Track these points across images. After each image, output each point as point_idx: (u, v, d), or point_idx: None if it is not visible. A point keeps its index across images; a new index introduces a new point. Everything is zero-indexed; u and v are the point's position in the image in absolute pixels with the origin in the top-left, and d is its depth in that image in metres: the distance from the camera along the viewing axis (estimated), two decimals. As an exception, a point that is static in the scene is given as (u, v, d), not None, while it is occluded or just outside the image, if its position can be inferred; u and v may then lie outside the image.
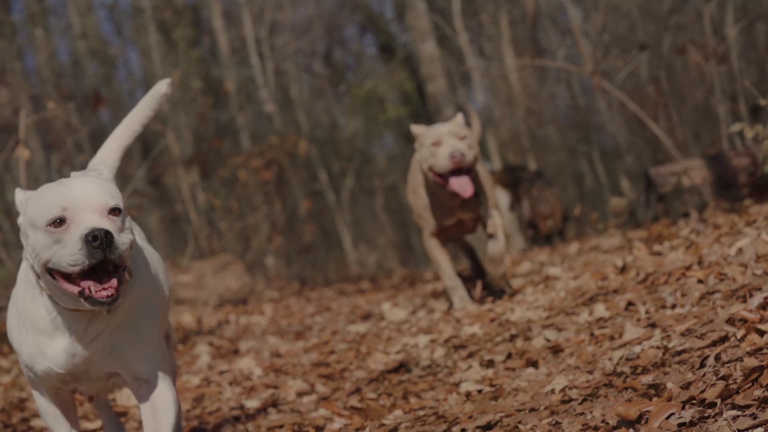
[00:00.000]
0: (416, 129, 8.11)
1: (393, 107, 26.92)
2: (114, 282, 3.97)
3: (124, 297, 4.13)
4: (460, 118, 8.04)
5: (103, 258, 3.91)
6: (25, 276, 4.31)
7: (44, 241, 4.00)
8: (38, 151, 18.76)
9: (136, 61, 27.69)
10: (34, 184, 16.38)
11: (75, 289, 3.98)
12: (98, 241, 3.89)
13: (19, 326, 4.34)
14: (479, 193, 8.14)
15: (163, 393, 4.33)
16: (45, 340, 4.24)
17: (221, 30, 24.89)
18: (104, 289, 3.96)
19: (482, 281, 8.98)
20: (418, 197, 8.31)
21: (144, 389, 4.33)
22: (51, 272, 4.02)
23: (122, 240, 3.98)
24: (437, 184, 7.95)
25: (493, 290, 8.50)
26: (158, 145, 22.47)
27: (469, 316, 7.64)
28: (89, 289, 3.96)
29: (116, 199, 4.08)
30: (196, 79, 24.29)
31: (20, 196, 4.23)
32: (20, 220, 4.18)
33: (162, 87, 5.24)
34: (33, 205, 4.08)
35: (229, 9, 26.16)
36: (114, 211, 4.04)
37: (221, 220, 21.99)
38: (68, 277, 3.98)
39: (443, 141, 7.80)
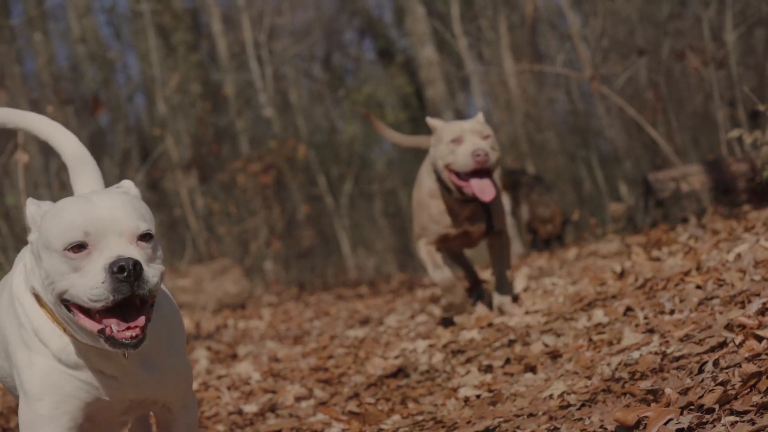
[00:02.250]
0: (434, 122, 7.44)
1: (392, 112, 26.93)
2: (141, 320, 3.42)
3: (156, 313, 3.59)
4: (481, 117, 7.43)
5: (131, 293, 3.36)
6: (24, 287, 3.68)
7: (61, 268, 3.44)
8: (37, 155, 18.73)
9: (135, 65, 27.74)
10: (33, 188, 16.38)
11: (95, 327, 3.42)
12: (125, 273, 3.35)
13: (21, 349, 3.67)
14: (491, 205, 7.39)
15: (189, 422, 3.88)
16: (75, 376, 3.60)
17: (220, 34, 24.91)
18: (129, 328, 3.40)
19: (476, 293, 8.41)
20: (422, 205, 7.55)
21: (169, 418, 3.85)
22: (67, 304, 3.45)
23: (152, 272, 3.44)
24: (449, 188, 7.24)
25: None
26: (157, 149, 22.48)
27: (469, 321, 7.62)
28: (111, 328, 3.40)
29: (148, 222, 3.52)
30: (195, 83, 24.29)
31: (33, 209, 3.63)
32: (32, 238, 3.60)
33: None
34: (50, 223, 3.51)
35: (228, 13, 26.18)
36: (145, 237, 3.48)
37: (220, 225, 22.00)
38: (87, 312, 3.42)
39: (465, 138, 7.13)
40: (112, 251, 3.41)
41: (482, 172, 7.09)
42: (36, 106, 18.84)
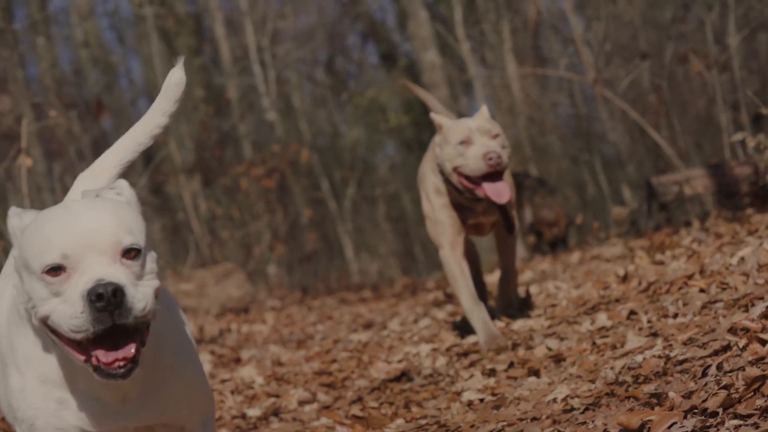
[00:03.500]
0: (439, 120, 6.95)
1: (395, 116, 26.93)
2: (131, 349, 3.08)
3: (157, 335, 3.26)
4: (486, 111, 7.00)
5: (112, 324, 3.01)
6: (12, 303, 3.36)
7: (41, 292, 3.09)
8: (40, 159, 18.74)
9: (137, 70, 27.74)
10: (36, 192, 16.38)
11: (81, 357, 3.10)
12: (103, 301, 2.99)
13: (10, 374, 3.34)
14: (507, 203, 6.93)
15: None
16: (61, 402, 3.29)
17: (223, 38, 24.92)
18: (117, 359, 3.06)
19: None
20: (433, 204, 7.13)
21: None
22: (53, 329, 3.12)
23: (140, 295, 3.07)
24: (461, 189, 6.82)
25: (501, 307, 7.72)
26: (160, 153, 22.49)
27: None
28: (97, 358, 3.07)
29: (134, 234, 3.14)
30: (197, 87, 24.30)
31: (14, 222, 3.26)
32: (14, 254, 3.28)
33: (174, 76, 4.00)
34: (27, 242, 3.15)
35: (231, 17, 26.19)
36: (130, 253, 3.10)
37: (223, 229, 22.01)
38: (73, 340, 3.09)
39: (474, 139, 6.68)
40: (92, 274, 3.05)
41: (494, 174, 6.67)
42: (39, 111, 18.86)
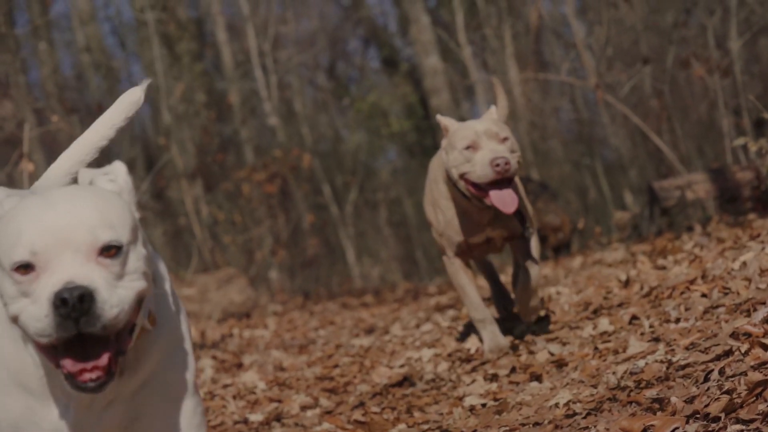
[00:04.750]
0: (445, 122, 6.59)
1: (396, 120, 26.93)
2: (103, 360, 2.76)
3: (147, 351, 3.01)
4: (494, 112, 6.66)
5: (77, 331, 2.71)
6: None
7: (10, 290, 2.81)
8: (42, 164, 18.73)
9: (139, 75, 27.71)
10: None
11: (52, 363, 2.82)
12: (67, 307, 2.69)
13: None
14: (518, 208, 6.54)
15: None
16: (36, 404, 3.01)
17: (225, 43, 24.94)
18: (87, 370, 2.75)
19: (505, 309, 7.67)
20: (439, 211, 6.80)
21: None
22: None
23: (115, 299, 2.76)
24: (468, 196, 6.46)
25: (520, 323, 7.43)
26: (162, 158, 22.50)
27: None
28: (66, 366, 2.77)
29: (115, 229, 2.83)
30: (199, 92, 24.32)
31: None
32: None
33: (133, 94, 3.76)
34: (0, 234, 2.87)
35: (233, 22, 26.20)
36: (108, 251, 2.80)
37: (225, 234, 22.00)
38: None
39: (481, 144, 6.31)
40: (62, 274, 2.75)
41: (503, 181, 6.28)
42: (41, 116, 18.87)
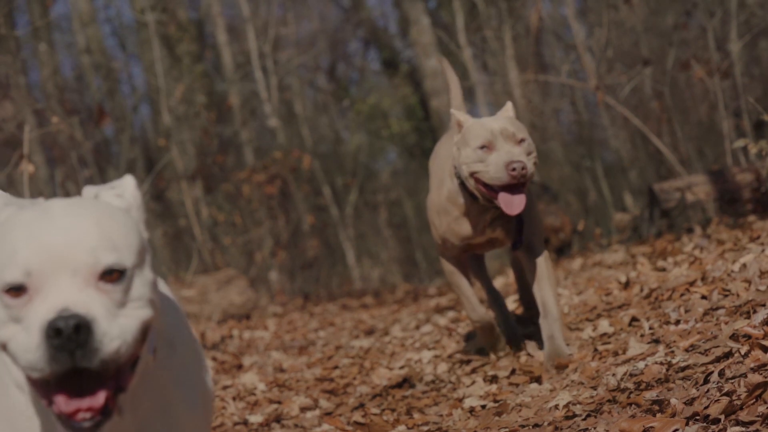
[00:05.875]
0: (460, 118, 6.26)
1: (397, 122, 26.93)
2: (99, 399, 2.45)
3: (153, 377, 2.67)
4: (511, 109, 6.32)
5: (72, 366, 2.40)
6: None
7: (0, 314, 2.49)
8: (42, 165, 18.74)
9: (139, 76, 27.74)
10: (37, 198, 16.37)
11: (44, 399, 2.49)
12: (61, 338, 2.38)
13: None
14: (522, 215, 6.27)
15: None
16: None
17: (225, 45, 24.94)
18: (81, 409, 2.44)
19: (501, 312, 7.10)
20: (442, 212, 6.50)
21: None
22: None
23: (115, 331, 2.45)
24: (476, 195, 6.20)
25: (519, 326, 7.07)
26: (162, 159, 22.49)
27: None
28: (58, 405, 2.45)
29: (119, 251, 2.52)
30: (199, 93, 24.31)
31: None
32: None
33: None
34: None
35: (233, 24, 26.21)
36: (110, 275, 2.49)
37: (225, 235, 21.99)
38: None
39: (497, 145, 6.00)
40: (57, 300, 2.43)
41: (517, 185, 5.99)
42: (41, 117, 18.87)
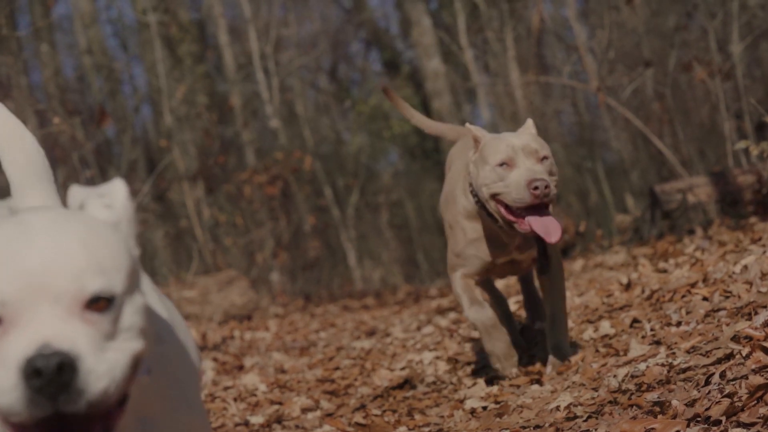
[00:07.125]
0: (477, 133, 5.80)
1: (398, 123, 26.93)
2: None
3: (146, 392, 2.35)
4: (532, 125, 5.90)
5: (54, 411, 2.07)
6: None
7: None
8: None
9: (141, 77, 27.73)
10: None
11: None
12: (42, 379, 2.05)
13: None
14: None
15: None
16: None
17: (227, 45, 24.95)
18: None
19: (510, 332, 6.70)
20: (457, 226, 6.02)
21: None
22: None
23: (103, 368, 2.12)
24: (497, 218, 5.75)
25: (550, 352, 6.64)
26: (163, 160, 22.50)
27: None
28: None
29: (107, 275, 2.18)
30: (201, 94, 24.32)
31: None
32: None
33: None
34: None
35: (235, 25, 26.22)
36: (97, 303, 2.15)
37: (226, 236, 22.00)
38: None
39: (518, 162, 5.60)
40: (36, 334, 2.09)
41: (540, 206, 5.60)
42: (42, 118, 18.88)
